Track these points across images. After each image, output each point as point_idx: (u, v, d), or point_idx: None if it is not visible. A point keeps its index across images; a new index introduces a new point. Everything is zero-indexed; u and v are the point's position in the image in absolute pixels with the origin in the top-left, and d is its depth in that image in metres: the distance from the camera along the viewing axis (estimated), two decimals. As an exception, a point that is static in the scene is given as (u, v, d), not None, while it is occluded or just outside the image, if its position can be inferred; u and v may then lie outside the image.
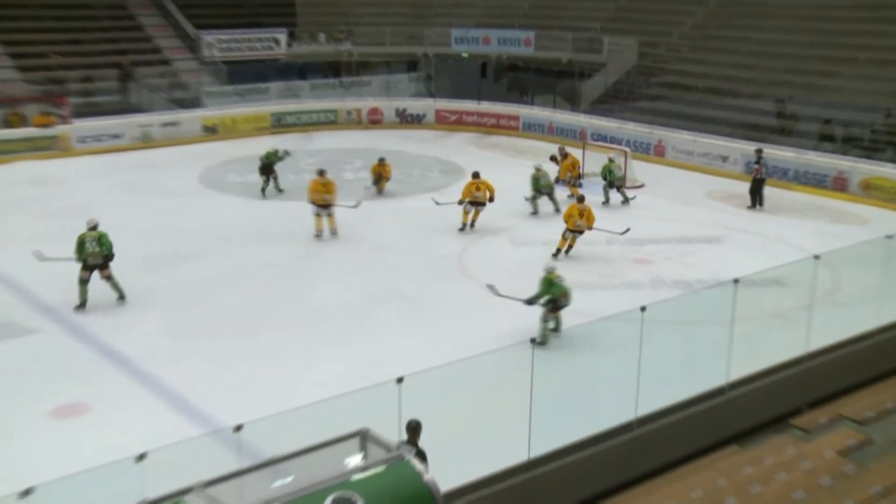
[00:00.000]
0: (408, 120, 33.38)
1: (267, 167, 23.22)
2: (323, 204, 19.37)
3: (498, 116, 32.72)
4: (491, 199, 20.09)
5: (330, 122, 32.94)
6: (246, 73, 34.21)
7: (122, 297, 15.60)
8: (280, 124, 32.09)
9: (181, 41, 35.82)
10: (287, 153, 23.91)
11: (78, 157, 27.57)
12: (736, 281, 11.28)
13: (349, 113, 33.21)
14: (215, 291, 16.41)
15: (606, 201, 22.45)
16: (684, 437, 10.73)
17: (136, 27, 35.91)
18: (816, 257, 12.49)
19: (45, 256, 15.83)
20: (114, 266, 15.43)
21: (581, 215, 18.14)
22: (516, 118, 32.39)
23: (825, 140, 25.81)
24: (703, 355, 12.28)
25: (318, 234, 19.42)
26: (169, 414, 11.87)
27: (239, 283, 16.90)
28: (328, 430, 7.90)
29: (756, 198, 22.36)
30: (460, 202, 20.19)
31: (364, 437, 6.96)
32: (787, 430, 10.98)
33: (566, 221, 18.30)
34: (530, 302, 14.02)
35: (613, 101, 32.56)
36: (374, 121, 33.03)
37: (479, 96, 33.26)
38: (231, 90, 32.93)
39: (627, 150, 25.51)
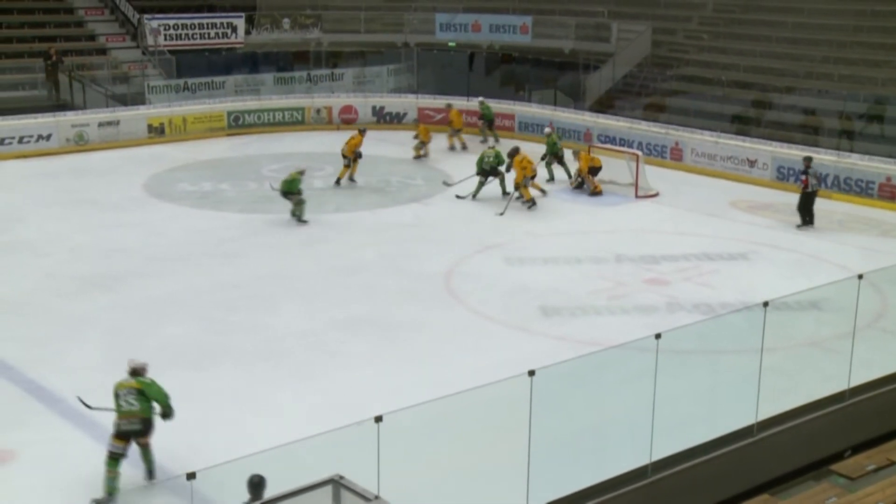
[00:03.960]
0: (386, 119, 33.50)
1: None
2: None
3: (490, 115, 32.84)
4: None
5: (296, 122, 33.03)
6: (197, 65, 34.19)
7: (151, 475, 11.33)
8: (238, 124, 32.16)
9: (120, 27, 35.89)
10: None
11: (-2, 162, 27.57)
12: (765, 304, 11.38)
13: (318, 111, 33.31)
14: (161, 318, 16.37)
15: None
16: (707, 484, 10.80)
17: (66, 9, 35.99)
18: (860, 277, 12.57)
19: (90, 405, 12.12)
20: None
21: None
22: (511, 117, 32.54)
23: (871, 140, 26.04)
24: (728, 390, 12.34)
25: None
26: (108, 461, 11.83)
27: (189, 308, 16.89)
28: (295, 477, 7.96)
29: (805, 215, 22.08)
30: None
31: (337, 486, 7.03)
32: (827, 478, 11.03)
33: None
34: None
35: (623, 97, 32.75)
36: (348, 120, 33.11)
37: (468, 92, 33.39)
38: (180, 84, 32.96)
39: (639, 153, 25.64)
